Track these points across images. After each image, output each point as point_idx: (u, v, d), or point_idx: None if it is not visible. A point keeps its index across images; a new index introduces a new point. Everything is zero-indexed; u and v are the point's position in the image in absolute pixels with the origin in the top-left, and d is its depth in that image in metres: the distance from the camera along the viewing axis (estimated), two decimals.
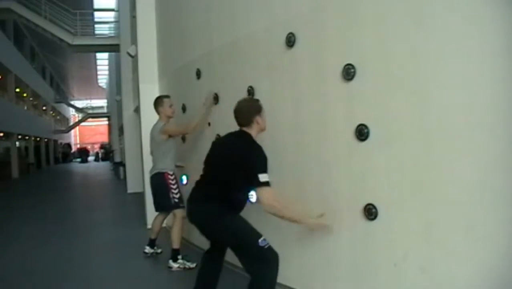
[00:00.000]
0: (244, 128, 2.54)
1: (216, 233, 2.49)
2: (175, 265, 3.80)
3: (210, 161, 2.60)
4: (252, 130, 2.53)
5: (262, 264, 2.31)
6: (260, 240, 2.32)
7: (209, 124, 4.01)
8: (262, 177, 2.29)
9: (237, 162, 2.40)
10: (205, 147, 4.01)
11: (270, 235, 2.45)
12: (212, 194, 2.44)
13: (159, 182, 4.00)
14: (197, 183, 2.61)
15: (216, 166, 2.53)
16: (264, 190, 2.30)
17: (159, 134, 3.98)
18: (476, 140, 1.94)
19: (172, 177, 4.00)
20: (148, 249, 4.29)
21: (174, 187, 3.98)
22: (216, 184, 2.46)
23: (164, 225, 4.45)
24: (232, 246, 2.48)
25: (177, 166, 4.27)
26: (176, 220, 3.92)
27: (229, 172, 2.41)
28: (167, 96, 4.20)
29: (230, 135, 2.63)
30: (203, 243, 2.78)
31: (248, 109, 2.54)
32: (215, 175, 2.51)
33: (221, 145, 2.70)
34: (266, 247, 2.32)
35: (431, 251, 2.10)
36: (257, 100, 2.66)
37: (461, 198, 1.99)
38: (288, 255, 2.59)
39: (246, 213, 2.55)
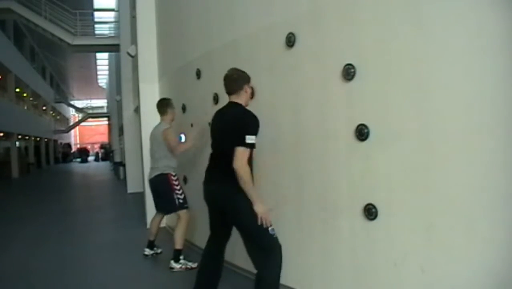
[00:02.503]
0: (233, 98, 2.61)
1: (232, 213, 2.51)
2: (177, 266, 3.79)
3: (213, 135, 2.68)
4: (241, 99, 2.60)
5: (267, 254, 2.38)
6: (270, 228, 2.40)
7: (209, 124, 4.00)
8: (249, 138, 2.35)
9: (234, 129, 2.44)
10: (204, 145, 4.02)
11: None
12: (224, 172, 2.45)
13: (163, 183, 3.95)
14: (209, 161, 2.67)
15: (219, 140, 2.61)
16: (243, 150, 2.35)
17: (161, 135, 3.97)
18: (476, 141, 1.94)
19: (175, 178, 3.98)
20: (148, 251, 4.28)
21: (178, 187, 3.96)
22: (224, 159, 2.47)
23: (163, 225, 4.45)
24: (244, 227, 2.50)
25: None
26: (181, 221, 3.89)
27: (230, 142, 2.43)
28: (170, 100, 4.23)
29: (224, 107, 2.69)
30: (204, 243, 2.78)
31: (240, 77, 2.62)
32: (221, 149, 2.57)
33: (218, 120, 2.71)
34: (274, 236, 2.40)
35: (431, 251, 2.10)
36: (245, 72, 2.68)
37: (461, 198, 1.99)
38: (288, 255, 2.58)
39: None
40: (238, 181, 2.38)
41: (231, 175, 2.42)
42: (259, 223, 2.36)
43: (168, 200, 3.94)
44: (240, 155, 2.35)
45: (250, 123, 2.44)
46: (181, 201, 3.92)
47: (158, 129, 4.05)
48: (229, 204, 2.49)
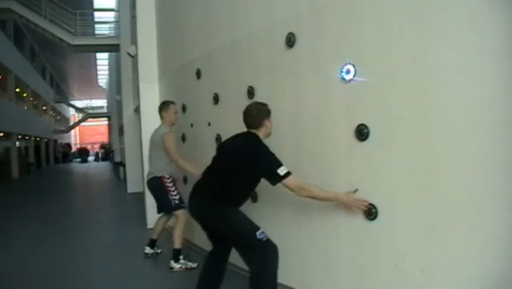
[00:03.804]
0: (252, 130, 2.60)
1: (216, 226, 2.53)
2: (176, 266, 3.80)
3: (216, 161, 2.67)
4: (260, 133, 2.60)
5: (262, 257, 2.37)
6: (258, 233, 2.38)
7: (209, 124, 4.01)
8: (282, 170, 2.37)
9: (246, 157, 2.46)
10: (204, 146, 4.03)
11: (270, 235, 2.46)
12: (214, 191, 2.50)
13: (157, 186, 4.03)
14: (199, 180, 2.67)
15: (223, 165, 2.59)
16: (290, 180, 2.38)
17: (160, 140, 3.97)
18: (476, 140, 1.94)
19: (169, 180, 4.01)
20: (148, 250, 4.29)
21: (172, 189, 4.00)
22: (219, 181, 2.51)
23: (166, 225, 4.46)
24: (231, 238, 2.51)
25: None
26: (179, 221, 3.93)
27: (236, 167, 2.46)
28: (173, 102, 4.18)
29: (238, 135, 2.68)
30: (204, 243, 2.79)
31: (259, 112, 2.60)
32: (219, 173, 2.56)
33: (229, 144, 2.71)
34: (264, 239, 2.38)
35: (431, 251, 2.10)
36: (267, 105, 2.68)
37: (461, 198, 1.99)
38: (288, 255, 2.59)
39: (247, 213, 2.55)
40: (227, 200, 2.44)
41: (218, 198, 2.46)
42: (364, 209, 2.33)
43: (165, 201, 4.02)
44: (292, 186, 2.38)
45: (270, 159, 2.42)
46: (176, 201, 3.97)
47: (157, 133, 4.06)
48: (213, 220, 2.50)
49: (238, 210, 2.53)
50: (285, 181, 2.37)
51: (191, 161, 4.04)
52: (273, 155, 2.45)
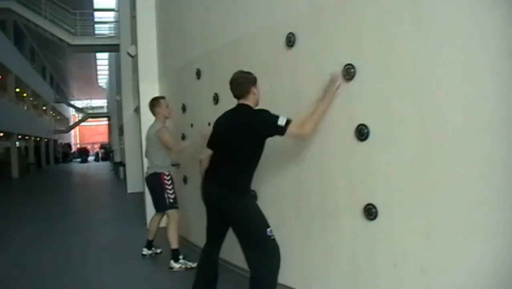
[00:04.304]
0: (241, 101, 2.60)
1: (230, 213, 2.51)
2: (176, 266, 3.80)
3: (217, 141, 2.66)
4: (250, 102, 2.60)
5: (264, 255, 2.38)
6: (268, 230, 2.40)
7: (209, 124, 4.01)
8: (281, 121, 2.40)
9: (245, 133, 2.47)
10: (204, 146, 4.02)
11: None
12: (226, 174, 2.51)
13: (155, 182, 4.04)
14: (210, 164, 2.67)
15: (227, 142, 2.57)
16: (292, 129, 2.42)
17: (155, 136, 4.00)
18: (476, 141, 1.94)
19: (168, 178, 4.03)
20: (145, 251, 4.29)
21: (170, 187, 4.01)
22: (229, 163, 2.52)
23: (164, 224, 4.46)
24: (241, 229, 2.51)
25: (173, 165, 4.29)
26: (171, 221, 3.96)
27: (240, 145, 2.47)
28: (162, 97, 4.26)
29: (231, 111, 2.67)
30: (203, 242, 2.78)
31: (245, 80, 2.61)
32: (228, 151, 2.56)
33: (225, 121, 2.69)
34: (272, 238, 2.40)
35: (431, 251, 2.10)
36: (251, 73, 2.68)
37: (461, 198, 1.99)
38: (288, 255, 2.59)
39: None
40: (237, 184, 2.44)
41: (233, 178, 2.46)
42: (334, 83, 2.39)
43: (159, 198, 4.04)
44: (295, 134, 2.46)
45: (266, 116, 2.47)
46: (171, 200, 3.99)
47: (152, 130, 4.08)
48: (228, 205, 2.49)
49: (254, 202, 2.58)
50: (289, 131, 2.40)
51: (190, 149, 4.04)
52: (266, 112, 2.48)
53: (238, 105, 2.62)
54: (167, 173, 4.03)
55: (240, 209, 2.45)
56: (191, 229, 4.35)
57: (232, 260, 3.43)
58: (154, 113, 4.15)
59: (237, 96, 2.62)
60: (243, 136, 2.47)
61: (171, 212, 3.96)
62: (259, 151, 2.57)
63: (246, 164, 2.54)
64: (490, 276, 1.92)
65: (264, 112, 2.50)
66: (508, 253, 1.87)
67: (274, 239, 2.41)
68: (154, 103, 4.16)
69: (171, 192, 4.01)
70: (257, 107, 2.64)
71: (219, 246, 2.73)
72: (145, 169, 4.39)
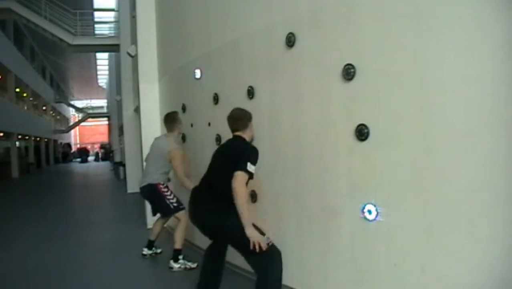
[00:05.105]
0: (238, 133, 2.70)
1: (218, 233, 2.56)
2: (176, 266, 3.80)
3: (211, 164, 2.73)
4: (245, 135, 2.70)
5: (266, 260, 2.39)
6: (265, 237, 2.40)
7: (209, 124, 4.01)
8: (250, 166, 2.43)
9: (232, 158, 2.50)
10: (204, 146, 4.03)
11: (270, 235, 2.47)
12: (213, 196, 2.54)
13: (152, 193, 4.04)
14: (198, 185, 2.72)
15: (215, 168, 2.67)
16: (242, 175, 2.41)
17: (165, 153, 3.94)
18: (476, 141, 1.94)
19: (163, 186, 4.04)
20: (146, 251, 4.29)
21: (168, 193, 4.03)
22: (215, 184, 2.56)
23: (164, 225, 4.46)
24: (237, 244, 2.51)
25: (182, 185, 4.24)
26: (180, 222, 3.95)
27: (226, 167, 2.48)
28: (177, 112, 4.21)
29: (227, 141, 2.80)
30: (204, 243, 2.78)
31: (244, 116, 2.73)
32: (215, 176, 2.62)
33: (219, 150, 2.82)
34: (269, 244, 2.40)
35: (431, 251, 2.10)
36: (248, 111, 2.79)
37: (461, 198, 1.99)
38: (288, 255, 2.58)
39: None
40: (226, 203, 2.41)
41: (220, 199, 2.47)
42: (251, 247, 2.34)
43: (162, 206, 4.04)
44: (240, 177, 2.40)
45: (251, 154, 2.51)
46: (175, 204, 3.99)
47: (164, 145, 4.00)
48: (218, 226, 2.51)
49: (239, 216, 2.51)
50: (240, 173, 2.39)
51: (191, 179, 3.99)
52: (255, 154, 2.53)
53: (234, 136, 2.72)
54: (162, 182, 4.05)
55: (230, 229, 2.45)
56: (192, 229, 4.34)
57: (233, 261, 3.43)
58: (171, 128, 4.05)
59: (233, 130, 2.72)
60: (232, 163, 2.48)
61: (180, 214, 3.96)
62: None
63: (227, 184, 2.49)
64: (490, 275, 1.92)
65: (253, 151, 2.54)
66: (508, 253, 1.87)
67: (273, 245, 2.42)
68: (174, 118, 4.07)
69: (171, 196, 4.01)
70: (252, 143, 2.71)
71: (224, 246, 2.72)
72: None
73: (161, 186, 4.02)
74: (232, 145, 2.69)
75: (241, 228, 2.38)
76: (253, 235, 2.36)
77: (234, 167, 2.42)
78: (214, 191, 2.55)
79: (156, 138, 4.22)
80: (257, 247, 2.34)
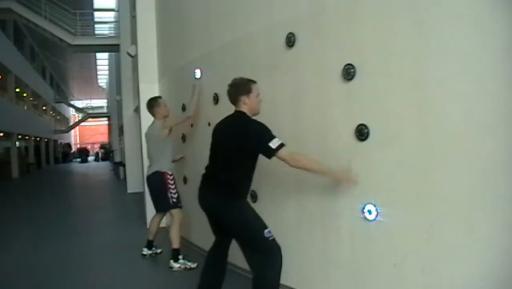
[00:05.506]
0: (236, 108, 2.59)
1: (225, 219, 2.51)
2: (176, 265, 3.80)
3: (214, 146, 2.66)
4: (243, 109, 2.55)
5: (265, 256, 2.37)
6: (265, 231, 2.39)
7: (209, 124, 4.01)
8: (274, 143, 2.32)
9: (236, 138, 2.45)
10: (204, 146, 4.01)
11: None
12: (220, 180, 2.50)
13: (158, 181, 4.01)
14: (206, 169, 2.66)
15: (220, 150, 2.58)
16: (282, 152, 2.32)
17: (161, 131, 3.99)
18: (476, 141, 1.94)
19: (171, 177, 4.02)
20: (146, 251, 4.29)
21: (173, 186, 4.00)
22: (222, 169, 2.52)
23: (163, 225, 4.46)
24: (239, 233, 2.50)
25: (175, 161, 4.29)
26: (174, 220, 3.94)
27: (231, 152, 2.45)
28: (159, 97, 4.31)
29: (227, 117, 2.66)
30: (203, 242, 2.78)
31: (235, 89, 2.56)
32: (220, 159, 2.56)
33: (220, 127, 2.68)
34: (270, 238, 2.38)
35: (431, 251, 2.10)
36: (249, 82, 2.58)
37: (461, 198, 1.99)
38: (288, 255, 2.58)
39: None
40: (231, 192, 2.42)
41: (227, 186, 2.46)
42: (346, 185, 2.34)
43: (162, 198, 4.01)
44: (286, 158, 2.32)
45: (265, 133, 2.38)
46: (174, 200, 3.98)
47: (154, 128, 4.08)
48: (222, 213, 2.50)
49: (248, 205, 2.54)
50: (279, 154, 2.32)
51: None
52: (263, 127, 2.40)
53: (235, 112, 2.59)
54: (170, 172, 4.03)
55: (235, 214, 2.44)
56: (192, 229, 4.35)
57: (234, 261, 3.43)
58: (153, 114, 4.15)
59: (231, 102, 2.62)
60: (238, 147, 2.44)
61: (175, 212, 3.95)
62: (253, 161, 2.53)
63: (241, 171, 2.51)
64: (490, 275, 1.92)
65: (259, 128, 2.41)
66: (508, 253, 1.87)
67: (273, 240, 2.40)
68: (152, 103, 4.17)
69: (174, 191, 3.99)
70: (255, 117, 2.57)
71: (226, 246, 2.70)
72: (146, 170, 4.37)
73: (168, 176, 4.00)
74: (235, 128, 2.50)
75: (244, 220, 2.38)
76: (343, 177, 2.36)
77: (266, 154, 2.34)
78: (218, 178, 2.52)
79: (147, 128, 4.27)
80: (349, 184, 2.35)
